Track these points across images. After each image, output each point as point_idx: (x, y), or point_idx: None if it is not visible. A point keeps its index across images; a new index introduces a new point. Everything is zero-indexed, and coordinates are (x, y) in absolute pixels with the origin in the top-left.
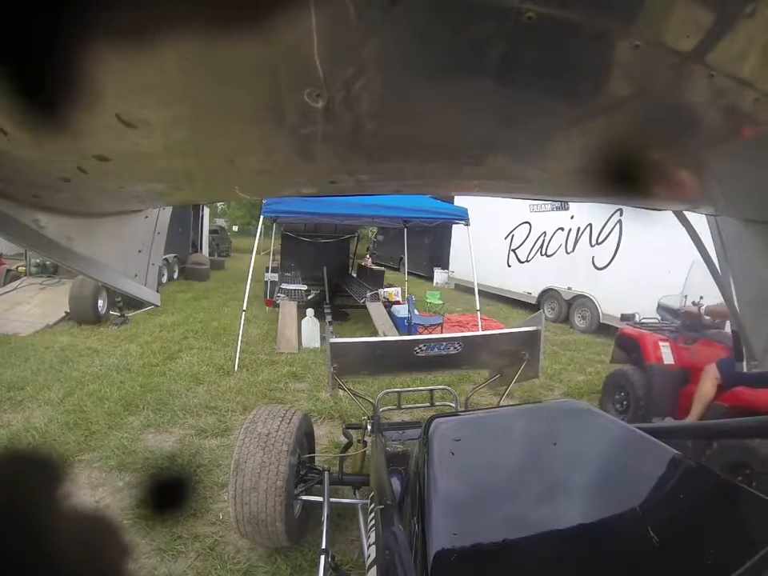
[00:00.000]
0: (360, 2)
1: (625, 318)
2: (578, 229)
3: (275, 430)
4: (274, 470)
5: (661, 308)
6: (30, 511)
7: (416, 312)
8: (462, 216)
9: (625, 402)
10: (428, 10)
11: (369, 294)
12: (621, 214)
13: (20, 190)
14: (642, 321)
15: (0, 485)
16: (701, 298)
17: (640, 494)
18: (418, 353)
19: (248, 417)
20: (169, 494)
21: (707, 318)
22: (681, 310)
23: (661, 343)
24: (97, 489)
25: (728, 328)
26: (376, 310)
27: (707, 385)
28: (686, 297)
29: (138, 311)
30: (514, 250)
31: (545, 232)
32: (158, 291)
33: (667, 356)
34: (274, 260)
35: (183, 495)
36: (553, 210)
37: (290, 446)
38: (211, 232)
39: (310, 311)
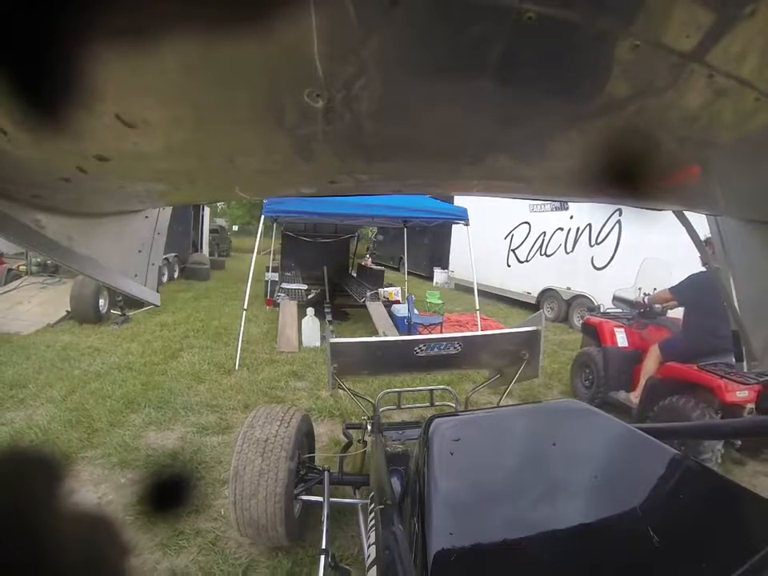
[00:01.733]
0: (360, 2)
1: (590, 309)
2: (578, 229)
3: (273, 436)
4: (273, 477)
5: (615, 299)
6: (28, 510)
7: (416, 311)
8: (462, 216)
9: (591, 377)
10: (428, 10)
11: (369, 294)
12: (620, 215)
13: (20, 189)
14: (605, 311)
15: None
16: (654, 289)
17: (640, 494)
18: (417, 353)
19: (245, 421)
20: (171, 490)
21: (657, 306)
22: (633, 300)
23: (616, 329)
24: (99, 485)
25: (672, 314)
26: (376, 309)
27: (650, 362)
28: (639, 289)
29: (139, 310)
30: (513, 250)
31: (544, 232)
32: (158, 291)
33: (622, 340)
34: (274, 260)
35: (185, 491)
36: (552, 210)
37: (289, 451)
38: (211, 232)
39: (310, 310)
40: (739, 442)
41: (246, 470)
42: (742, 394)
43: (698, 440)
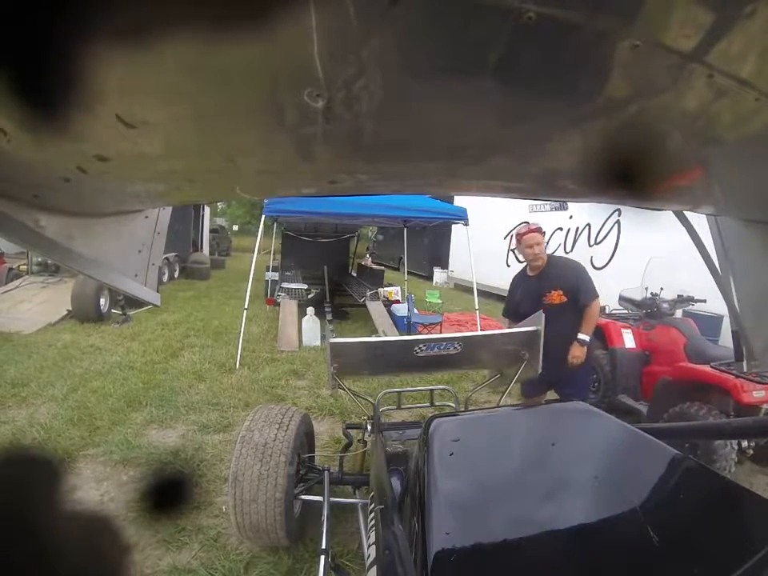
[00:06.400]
0: (360, 2)
1: None
2: (577, 229)
3: (272, 440)
4: (273, 482)
5: (622, 299)
6: (26, 510)
7: (415, 311)
8: (461, 216)
9: (597, 381)
10: (428, 10)
11: (369, 293)
12: (619, 215)
13: (20, 190)
14: (612, 312)
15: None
16: (661, 289)
17: (640, 494)
18: (417, 353)
19: (243, 423)
20: (172, 487)
21: (664, 305)
22: (640, 300)
23: (623, 330)
24: (101, 483)
25: (680, 314)
26: (376, 308)
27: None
28: (646, 289)
29: (140, 310)
30: (513, 250)
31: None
32: (158, 290)
33: (629, 341)
34: (274, 259)
35: (186, 489)
36: (552, 210)
37: (288, 456)
38: (211, 231)
39: (310, 310)
40: (751, 451)
41: (245, 475)
42: (759, 394)
43: (707, 444)
